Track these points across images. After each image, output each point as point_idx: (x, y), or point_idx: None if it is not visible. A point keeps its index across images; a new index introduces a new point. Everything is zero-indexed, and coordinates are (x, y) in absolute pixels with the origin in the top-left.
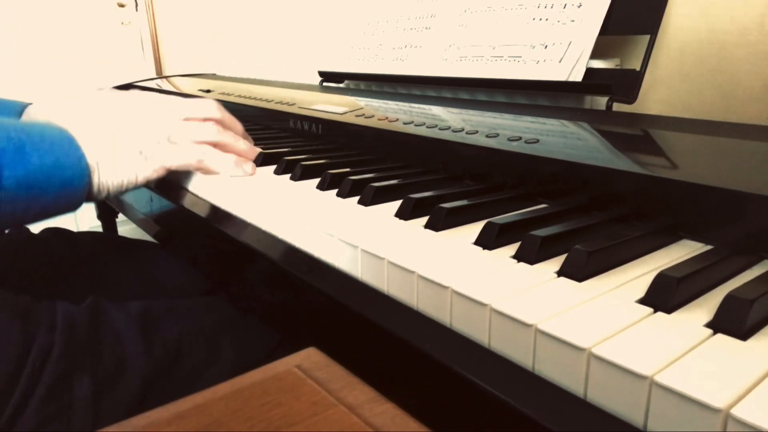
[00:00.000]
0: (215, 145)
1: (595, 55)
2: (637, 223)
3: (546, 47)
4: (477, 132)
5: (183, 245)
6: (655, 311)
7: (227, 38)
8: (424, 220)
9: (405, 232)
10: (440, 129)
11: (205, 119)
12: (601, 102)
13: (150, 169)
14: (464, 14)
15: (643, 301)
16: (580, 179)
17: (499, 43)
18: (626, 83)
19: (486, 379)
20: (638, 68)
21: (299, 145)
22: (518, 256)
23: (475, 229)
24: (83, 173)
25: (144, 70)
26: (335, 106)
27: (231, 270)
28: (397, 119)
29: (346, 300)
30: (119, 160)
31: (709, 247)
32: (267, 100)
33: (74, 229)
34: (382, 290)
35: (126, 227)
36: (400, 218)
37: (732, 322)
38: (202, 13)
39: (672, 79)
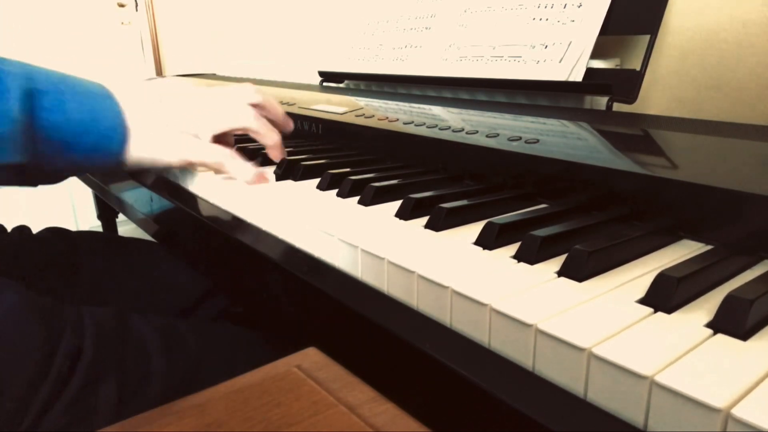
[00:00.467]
0: (246, 130)
1: (595, 55)
2: (637, 223)
3: (546, 47)
4: (477, 132)
5: (183, 245)
6: (655, 311)
7: (227, 38)
8: (424, 220)
9: (405, 232)
10: (440, 129)
11: (241, 130)
12: (601, 102)
13: (175, 156)
14: (464, 14)
15: (643, 301)
16: (580, 179)
17: (499, 43)
18: (626, 83)
19: (486, 379)
20: (638, 68)
21: (299, 145)
22: (518, 256)
23: (475, 229)
24: (120, 131)
25: (144, 70)
26: (335, 106)
27: (231, 270)
28: (397, 119)
29: (346, 300)
30: (150, 135)
31: (709, 247)
32: None
33: (74, 229)
34: (382, 290)
35: (126, 227)
36: (400, 218)
37: (732, 322)
38: (202, 13)
39: (672, 79)
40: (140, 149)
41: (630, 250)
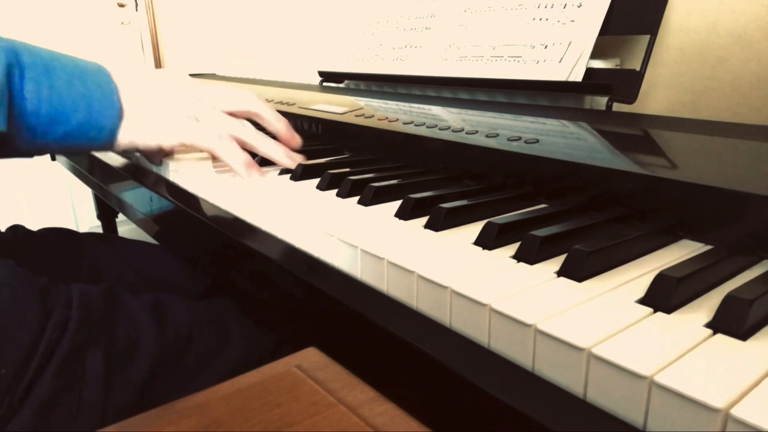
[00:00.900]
0: (241, 142)
1: (595, 55)
2: (636, 223)
3: (546, 47)
4: (477, 132)
5: (183, 245)
6: (654, 311)
7: (227, 38)
8: (424, 220)
9: (405, 232)
10: (440, 129)
11: (247, 112)
12: (601, 102)
13: (168, 138)
14: (464, 14)
15: (642, 301)
16: (580, 179)
17: (499, 43)
18: (626, 83)
19: (485, 379)
20: (638, 68)
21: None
22: (518, 256)
23: (475, 229)
24: (113, 110)
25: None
26: (335, 106)
27: (231, 270)
28: (397, 119)
29: (346, 300)
30: (146, 116)
31: (708, 247)
32: (267, 100)
33: (74, 229)
34: (381, 290)
35: (126, 227)
36: (400, 218)
37: (732, 322)
38: (202, 13)
39: (672, 79)
40: (133, 130)
41: (630, 250)
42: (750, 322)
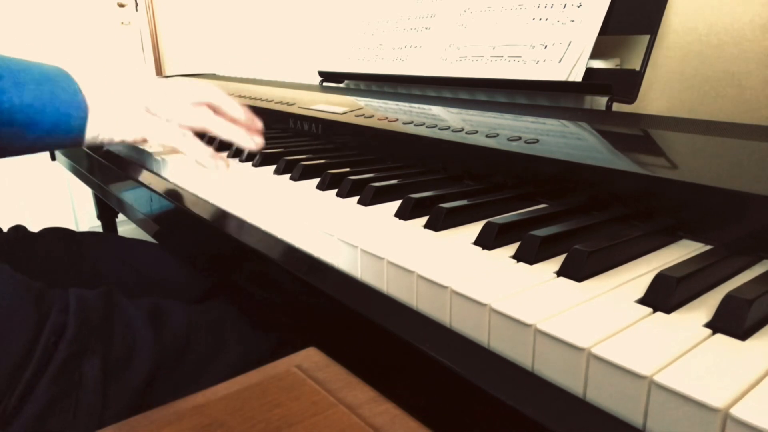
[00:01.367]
0: (203, 130)
1: (595, 55)
2: (636, 223)
3: (546, 47)
4: (477, 132)
5: (183, 245)
6: (654, 311)
7: (227, 38)
8: (424, 220)
9: (404, 232)
10: (440, 129)
11: (206, 104)
12: (601, 102)
13: (131, 134)
14: (464, 14)
15: (642, 301)
16: (580, 179)
17: (499, 43)
18: (626, 83)
19: (485, 379)
20: (638, 68)
21: (299, 145)
22: (518, 256)
23: (475, 229)
24: (79, 110)
25: (144, 70)
26: (335, 106)
27: (231, 270)
28: (397, 119)
29: (346, 300)
30: (109, 112)
31: (708, 247)
32: (267, 100)
33: (74, 229)
34: (381, 290)
35: (126, 227)
36: (400, 218)
37: (731, 322)
38: (202, 13)
39: (672, 79)
40: (98, 125)
41: (629, 250)
42: (749, 321)
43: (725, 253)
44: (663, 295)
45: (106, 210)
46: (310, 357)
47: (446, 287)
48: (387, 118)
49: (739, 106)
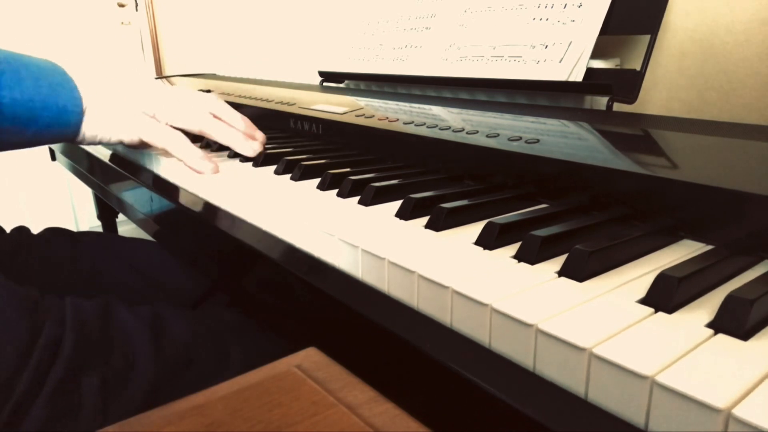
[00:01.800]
0: (200, 132)
1: (595, 55)
2: (637, 223)
3: (546, 47)
4: (477, 132)
5: (183, 245)
6: (655, 311)
7: (227, 38)
8: (425, 220)
9: (405, 232)
10: (440, 129)
11: (207, 112)
12: (602, 102)
13: (126, 134)
14: (464, 14)
15: (643, 301)
16: (581, 179)
17: (499, 43)
18: (626, 83)
19: (486, 379)
20: (638, 68)
21: (299, 145)
22: (519, 256)
23: (476, 229)
24: (76, 107)
25: (144, 70)
26: (335, 106)
27: (231, 270)
28: (398, 119)
29: (347, 300)
30: (105, 112)
31: (709, 247)
32: (267, 100)
33: (74, 229)
34: (382, 290)
35: (126, 227)
36: (401, 218)
37: (733, 322)
38: (202, 13)
39: (672, 79)
40: (94, 125)
41: (630, 250)
42: (751, 322)
43: (726, 253)
44: (664, 295)
45: (106, 210)
46: (310, 357)
47: (447, 287)
48: (387, 118)
49: (740, 106)
